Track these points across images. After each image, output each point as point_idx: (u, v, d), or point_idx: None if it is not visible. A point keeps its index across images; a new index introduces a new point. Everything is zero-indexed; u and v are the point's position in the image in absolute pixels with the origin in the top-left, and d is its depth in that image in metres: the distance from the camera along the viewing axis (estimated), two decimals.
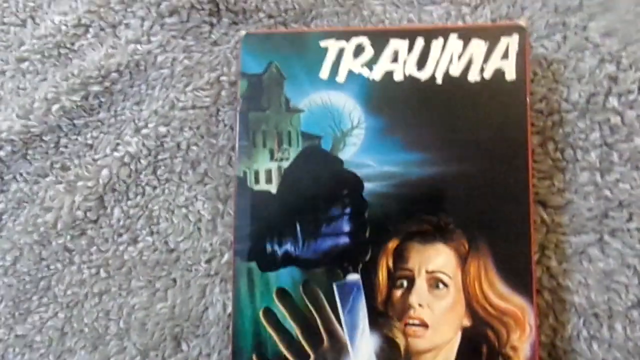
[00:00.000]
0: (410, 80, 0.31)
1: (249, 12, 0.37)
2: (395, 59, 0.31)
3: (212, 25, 0.36)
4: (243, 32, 0.33)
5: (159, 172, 0.35)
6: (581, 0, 0.34)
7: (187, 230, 0.34)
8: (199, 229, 0.34)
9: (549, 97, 0.33)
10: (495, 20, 0.35)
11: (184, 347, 0.33)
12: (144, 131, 0.35)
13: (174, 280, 0.33)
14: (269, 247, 0.30)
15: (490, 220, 0.29)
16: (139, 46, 0.36)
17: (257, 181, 0.31)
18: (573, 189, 0.32)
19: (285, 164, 0.31)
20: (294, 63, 0.32)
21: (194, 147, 0.35)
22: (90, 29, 0.37)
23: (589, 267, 0.31)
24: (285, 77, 0.32)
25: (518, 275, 0.29)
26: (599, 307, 0.31)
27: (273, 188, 0.31)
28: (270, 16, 0.37)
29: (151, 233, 0.34)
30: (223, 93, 0.35)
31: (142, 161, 0.35)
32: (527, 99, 0.30)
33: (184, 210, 0.34)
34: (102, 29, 0.37)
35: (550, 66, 0.34)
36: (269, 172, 0.31)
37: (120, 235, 0.34)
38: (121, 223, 0.34)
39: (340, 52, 0.31)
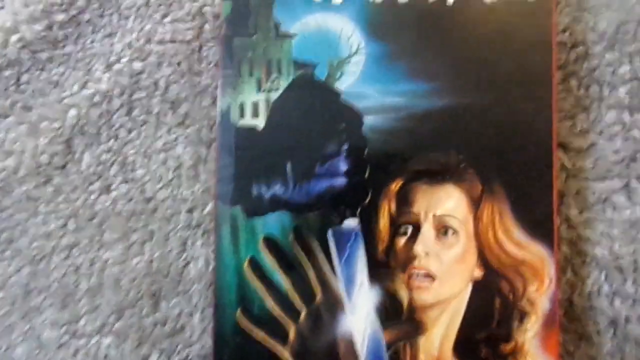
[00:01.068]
0: (416, 1, 0.28)
1: None
2: None
3: None
4: None
5: (134, 113, 0.32)
6: None
7: (165, 177, 0.31)
8: (179, 175, 0.31)
9: (572, 28, 0.30)
10: None
11: (163, 305, 0.31)
12: (117, 67, 0.32)
13: (152, 233, 0.31)
14: (255, 190, 0.27)
15: (507, 160, 0.27)
16: None
17: (242, 115, 0.28)
18: (597, 130, 0.30)
19: (274, 96, 0.28)
20: None
21: (174, 86, 0.32)
22: None
23: (613, 216, 0.29)
24: None
25: (537, 221, 0.26)
26: (623, 260, 0.28)
27: (260, 123, 0.28)
28: None
29: (125, 181, 0.32)
30: (207, 26, 0.33)
31: (114, 100, 0.32)
32: (553, 23, 0.27)
33: (162, 155, 0.32)
34: None
35: None
36: (255, 105, 0.28)
37: (91, 183, 0.32)
38: (92, 170, 0.32)
39: None
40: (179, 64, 0.32)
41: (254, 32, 0.28)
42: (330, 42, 0.28)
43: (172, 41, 0.32)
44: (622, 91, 0.29)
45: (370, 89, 0.27)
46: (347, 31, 0.28)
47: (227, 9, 0.28)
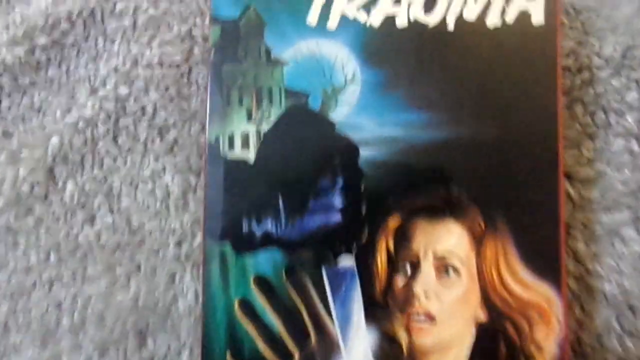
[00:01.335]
0: (415, 26, 0.27)
1: None
2: (398, 1, 0.27)
3: None
4: None
5: (120, 140, 0.31)
6: None
7: (153, 207, 0.30)
8: (167, 206, 0.30)
9: (577, 52, 0.29)
10: None
11: (149, 343, 0.29)
12: (102, 92, 0.31)
13: (138, 266, 0.30)
14: (245, 226, 0.26)
15: (511, 194, 0.25)
16: None
17: (231, 147, 0.27)
18: (605, 159, 0.28)
19: (266, 127, 0.27)
20: (276, 5, 0.27)
21: (162, 111, 0.31)
22: None
23: (622, 250, 0.28)
24: (266, 22, 0.27)
25: (544, 260, 0.25)
26: (634, 297, 0.27)
27: (251, 155, 0.27)
28: None
29: (111, 211, 0.30)
30: (196, 49, 0.32)
31: (99, 127, 0.31)
32: (558, 48, 0.25)
33: (149, 184, 0.31)
34: None
35: (579, 15, 0.30)
36: (245, 136, 0.26)
37: (74, 213, 0.31)
38: (75, 200, 0.31)
39: None
40: (167, 88, 0.31)
41: (243, 58, 0.27)
42: (324, 69, 0.26)
43: (160, 65, 0.31)
44: (629, 118, 0.28)
45: (366, 119, 0.26)
46: (342, 58, 0.26)
47: (216, 34, 0.27)
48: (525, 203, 0.25)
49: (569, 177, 0.28)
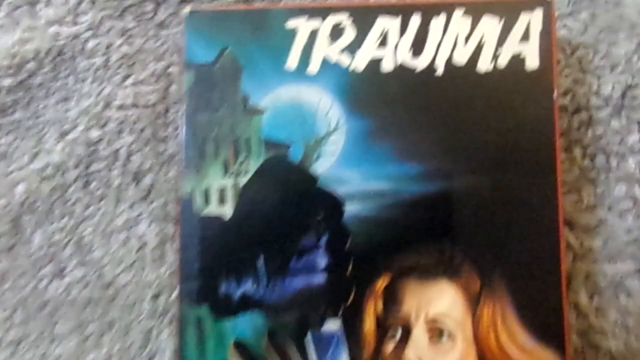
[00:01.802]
0: (402, 70, 0.25)
1: None
2: (383, 43, 0.26)
3: (157, 2, 0.31)
4: (187, 10, 0.26)
5: (91, 187, 0.30)
6: None
7: (127, 259, 0.29)
8: (142, 257, 0.29)
9: (574, 91, 0.28)
10: None
11: None
12: (71, 135, 0.30)
13: (111, 323, 0.28)
14: (223, 288, 0.25)
15: (509, 249, 0.24)
16: (63, 28, 0.31)
17: (207, 202, 0.25)
18: (606, 206, 0.27)
19: (244, 180, 0.25)
20: (254, 49, 0.26)
21: (137, 155, 0.30)
22: (1, 7, 0.32)
23: (627, 303, 0.26)
24: (243, 67, 0.26)
25: (545, 322, 0.23)
26: None
27: (228, 211, 0.25)
28: None
29: (81, 264, 0.29)
30: (172, 88, 0.30)
31: (69, 173, 0.30)
32: (554, 93, 0.24)
33: (123, 234, 0.29)
34: (16, 7, 0.31)
35: (575, 52, 0.29)
36: (222, 191, 0.25)
37: (41, 267, 0.29)
38: (43, 251, 0.29)
39: (313, 34, 0.26)
40: (142, 130, 0.30)
41: (219, 106, 0.25)
42: (305, 117, 0.25)
43: (135, 105, 0.30)
44: (631, 162, 0.27)
45: (351, 172, 0.24)
46: (324, 105, 0.25)
47: (189, 81, 0.25)
48: (523, 257, 0.24)
49: (569, 225, 0.27)
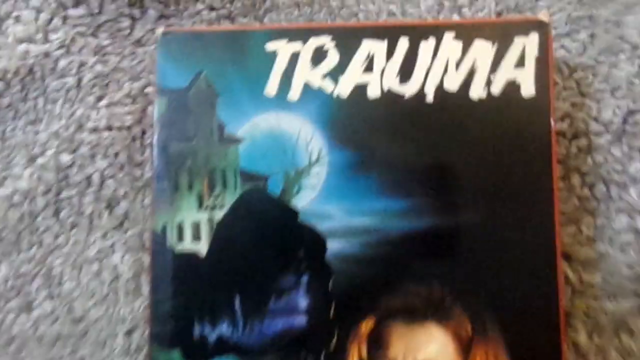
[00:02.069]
0: (389, 97, 0.24)
1: (183, 3, 0.29)
2: (369, 68, 0.24)
3: (133, 18, 0.30)
4: (160, 30, 0.24)
5: (61, 215, 0.28)
6: None
7: (99, 292, 0.27)
8: (115, 290, 0.27)
9: (572, 115, 0.26)
10: (502, 12, 0.27)
11: None
12: (41, 160, 0.29)
13: None
14: (197, 330, 0.23)
15: (502, 291, 0.22)
16: (32, 46, 0.29)
17: (180, 238, 0.23)
18: (606, 238, 0.26)
19: (219, 215, 0.24)
20: (231, 74, 0.24)
21: (110, 181, 0.28)
22: None
23: (629, 342, 0.25)
24: (219, 93, 0.24)
25: None
26: None
27: (202, 248, 0.23)
28: (211, 8, 0.29)
29: (50, 297, 0.27)
30: (149, 109, 0.29)
31: (38, 200, 0.28)
32: (552, 123, 0.22)
33: (95, 265, 0.28)
34: None
35: (573, 74, 0.27)
36: (196, 226, 0.23)
37: (7, 300, 0.27)
38: (9, 284, 0.28)
39: (294, 58, 0.24)
40: (116, 154, 0.28)
41: (193, 135, 0.23)
42: (285, 148, 0.23)
43: (109, 128, 0.29)
44: (633, 192, 0.25)
45: (334, 206, 0.23)
46: (305, 134, 0.23)
47: (162, 107, 0.24)
48: (519, 296, 0.22)
49: (567, 258, 0.25)
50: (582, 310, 0.25)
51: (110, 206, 0.28)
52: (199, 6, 0.30)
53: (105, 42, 0.29)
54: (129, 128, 0.29)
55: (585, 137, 0.26)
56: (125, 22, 0.30)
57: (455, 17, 0.28)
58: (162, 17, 0.30)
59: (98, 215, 0.28)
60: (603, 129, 0.26)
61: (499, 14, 0.28)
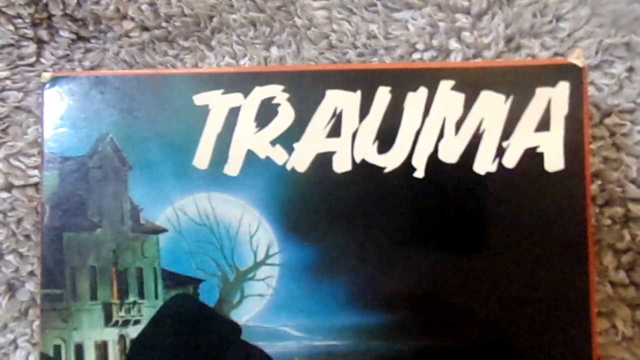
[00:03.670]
0: (364, 170, 0.17)
1: (106, 20, 0.23)
2: (335, 131, 0.17)
3: (40, 42, 0.24)
4: (46, 75, 0.18)
5: None
6: None
7: None
8: None
9: (605, 175, 0.21)
10: (514, 36, 0.21)
11: None
12: None
13: None
14: None
15: None
16: None
17: None
18: None
19: (135, 332, 0.17)
20: (148, 137, 0.18)
21: (10, 257, 0.22)
22: None
23: None
24: (132, 164, 0.17)
25: None
26: None
27: None
28: (144, 27, 0.23)
29: None
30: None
31: None
32: (588, 209, 0.16)
33: None
34: None
35: (605, 119, 0.21)
36: (102, 347, 0.17)
37: None
38: None
39: (233, 115, 0.18)
40: (18, 223, 0.22)
41: (97, 222, 0.17)
42: (222, 241, 0.17)
43: (7, 188, 0.22)
44: None
45: (289, 323, 0.17)
46: (249, 223, 0.17)
47: (52, 182, 0.17)
48: None
49: None
50: None
51: (12, 289, 0.22)
52: (127, 25, 0.23)
53: (2, 74, 0.23)
54: (34, 186, 0.22)
55: (621, 205, 0.20)
56: (29, 48, 0.23)
57: (454, 43, 0.21)
58: (79, 39, 0.24)
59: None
60: None
61: (509, 39, 0.21)
